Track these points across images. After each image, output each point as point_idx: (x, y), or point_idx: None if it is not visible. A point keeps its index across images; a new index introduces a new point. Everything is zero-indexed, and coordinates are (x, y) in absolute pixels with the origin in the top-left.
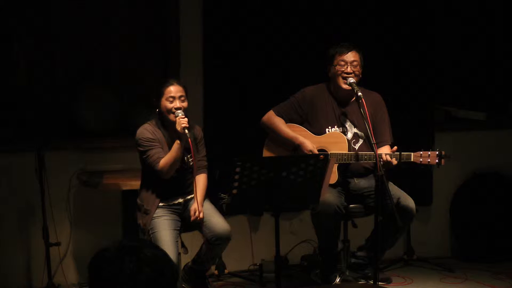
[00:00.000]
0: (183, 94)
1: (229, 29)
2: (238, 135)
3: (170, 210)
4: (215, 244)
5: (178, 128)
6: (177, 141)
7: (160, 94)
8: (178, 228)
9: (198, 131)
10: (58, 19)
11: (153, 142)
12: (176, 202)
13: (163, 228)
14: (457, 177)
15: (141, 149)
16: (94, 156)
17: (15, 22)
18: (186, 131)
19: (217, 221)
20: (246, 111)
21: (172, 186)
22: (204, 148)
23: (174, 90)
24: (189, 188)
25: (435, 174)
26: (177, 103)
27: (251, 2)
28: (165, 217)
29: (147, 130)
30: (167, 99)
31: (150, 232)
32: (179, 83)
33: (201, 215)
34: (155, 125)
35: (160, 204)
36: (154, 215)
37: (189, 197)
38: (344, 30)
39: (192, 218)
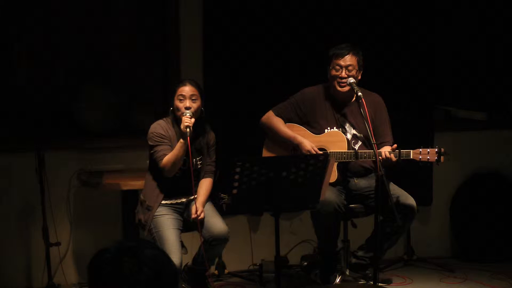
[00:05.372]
0: (195, 93)
1: (229, 29)
2: (238, 135)
3: (172, 209)
4: (212, 245)
5: (182, 126)
6: (181, 140)
7: (173, 92)
8: (181, 227)
9: (212, 137)
10: (58, 19)
11: (163, 138)
12: (179, 201)
13: (167, 227)
14: (457, 177)
15: (151, 143)
16: (94, 156)
17: (15, 22)
18: (188, 130)
19: (214, 222)
20: (246, 112)
21: (177, 185)
22: (215, 154)
23: (185, 89)
24: (194, 189)
25: (435, 174)
26: (187, 103)
27: (251, 2)
28: (168, 216)
29: (160, 126)
30: (177, 98)
31: (154, 230)
32: (193, 84)
33: (201, 216)
34: (169, 122)
35: (163, 202)
36: (157, 213)
37: (192, 197)
38: (344, 30)
39: (192, 217)
